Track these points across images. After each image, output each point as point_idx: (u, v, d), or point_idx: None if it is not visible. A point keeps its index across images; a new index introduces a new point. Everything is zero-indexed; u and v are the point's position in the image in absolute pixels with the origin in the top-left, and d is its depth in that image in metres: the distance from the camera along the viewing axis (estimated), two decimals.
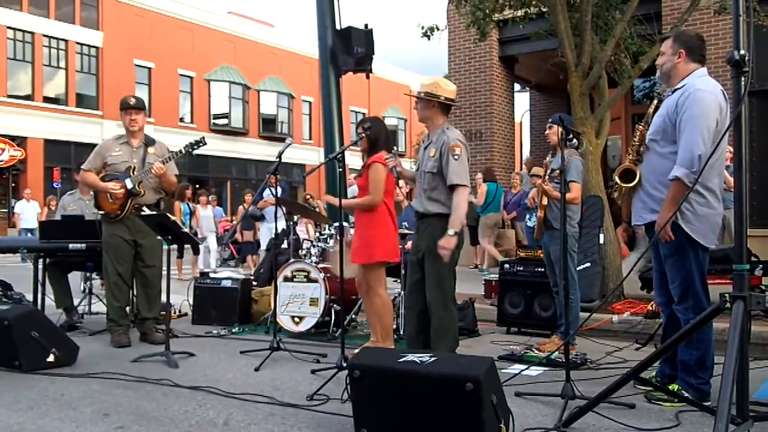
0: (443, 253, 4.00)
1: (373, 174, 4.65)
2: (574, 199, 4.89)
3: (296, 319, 5.69)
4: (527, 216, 10.64)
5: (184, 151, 5.39)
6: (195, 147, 5.36)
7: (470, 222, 11.67)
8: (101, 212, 5.40)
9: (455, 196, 4.10)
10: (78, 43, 26.81)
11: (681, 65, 3.58)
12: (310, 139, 36.20)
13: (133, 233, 5.33)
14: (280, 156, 4.99)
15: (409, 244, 5.38)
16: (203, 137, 5.48)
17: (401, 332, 5.54)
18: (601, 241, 6.74)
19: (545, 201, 4.93)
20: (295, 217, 8.34)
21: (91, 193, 6.85)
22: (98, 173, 5.40)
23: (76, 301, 6.40)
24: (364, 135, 4.73)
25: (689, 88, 3.45)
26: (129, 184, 5.33)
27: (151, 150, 5.50)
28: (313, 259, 6.03)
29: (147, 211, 5.22)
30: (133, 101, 5.53)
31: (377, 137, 4.74)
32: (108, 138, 5.72)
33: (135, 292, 5.60)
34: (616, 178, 3.76)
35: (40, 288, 5.96)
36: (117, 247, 5.33)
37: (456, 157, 4.10)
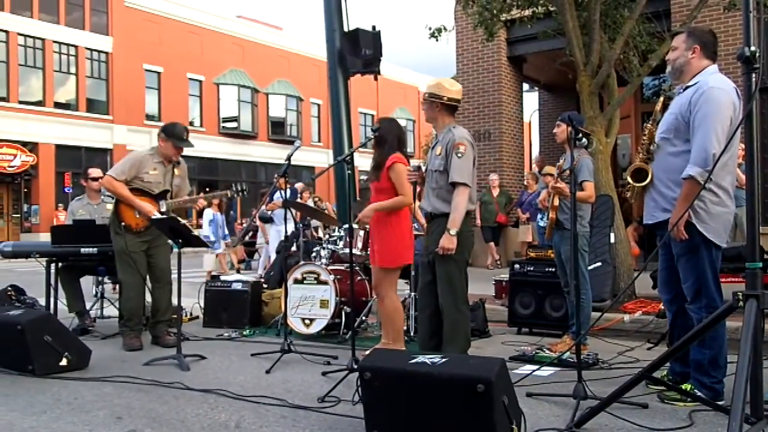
0: (443, 252, 4.01)
1: (395, 175, 4.63)
2: (589, 197, 4.88)
3: (307, 321, 5.69)
4: (539, 216, 10.65)
5: (223, 194, 5.73)
6: (233, 194, 5.58)
7: (490, 223, 11.72)
8: (122, 224, 5.36)
9: (455, 195, 4.10)
10: (88, 48, 26.98)
11: (695, 61, 3.55)
12: (319, 141, 36.27)
13: (150, 239, 5.41)
14: (289, 159, 5.00)
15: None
16: (239, 189, 5.61)
17: (412, 334, 5.53)
18: (612, 240, 6.71)
19: (556, 202, 4.92)
20: (306, 219, 8.36)
21: (104, 198, 6.91)
22: (127, 184, 5.40)
23: (88, 305, 6.43)
24: (375, 134, 4.73)
25: (702, 86, 3.42)
26: (163, 207, 5.43)
27: (177, 171, 5.59)
28: (323, 261, 6.04)
29: (157, 215, 5.25)
30: (186, 139, 5.48)
31: (384, 134, 4.74)
32: (142, 151, 5.65)
33: (152, 295, 5.62)
34: (629, 178, 3.74)
35: (52, 292, 5.99)
36: (135, 256, 5.36)
37: (459, 155, 4.10)
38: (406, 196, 4.65)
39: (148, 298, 5.64)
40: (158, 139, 5.51)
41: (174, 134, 5.43)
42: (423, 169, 4.58)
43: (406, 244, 4.75)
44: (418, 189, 4.75)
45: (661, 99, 3.76)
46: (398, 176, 4.63)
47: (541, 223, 10.71)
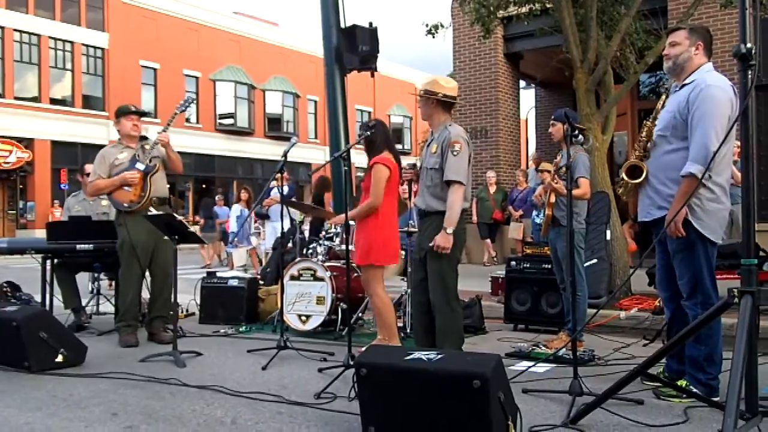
0: (438, 250, 4.02)
1: (374, 175, 4.63)
2: (584, 194, 4.88)
3: (303, 318, 5.69)
4: (534, 213, 10.67)
5: (178, 112, 5.55)
6: (186, 107, 5.60)
7: (486, 220, 11.75)
8: (125, 204, 5.35)
9: (450, 193, 4.10)
10: (84, 44, 26.89)
11: (697, 58, 3.55)
12: (316, 138, 36.21)
13: (154, 232, 5.33)
14: (285, 155, 4.99)
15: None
16: (191, 98, 5.74)
17: (408, 330, 5.54)
18: (608, 237, 6.72)
19: (553, 198, 4.92)
20: (301, 216, 8.35)
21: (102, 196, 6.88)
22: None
23: (84, 302, 6.42)
24: (368, 133, 4.70)
25: (700, 84, 3.42)
26: (141, 166, 5.41)
27: (146, 145, 5.59)
28: (320, 257, 6.04)
29: (154, 212, 5.24)
30: (134, 108, 5.67)
31: (374, 138, 4.72)
32: (105, 147, 5.79)
33: (151, 291, 5.60)
34: (623, 175, 3.74)
35: (48, 289, 5.98)
36: (138, 246, 5.33)
37: (455, 153, 4.10)
38: (374, 200, 4.60)
39: (145, 294, 5.63)
40: (116, 128, 5.65)
41: (119, 112, 5.60)
42: (418, 166, 4.58)
43: (387, 244, 4.69)
44: (414, 187, 4.74)
45: (663, 97, 3.76)
46: (376, 177, 4.61)
47: (537, 220, 10.73)
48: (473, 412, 2.63)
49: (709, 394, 3.38)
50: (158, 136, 5.41)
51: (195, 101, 5.63)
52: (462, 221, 4.22)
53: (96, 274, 6.92)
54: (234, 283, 6.46)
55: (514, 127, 13.28)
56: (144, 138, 5.64)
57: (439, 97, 4.25)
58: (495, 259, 11.90)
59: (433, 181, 4.21)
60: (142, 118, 5.70)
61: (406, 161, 4.91)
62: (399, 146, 36.18)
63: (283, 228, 5.68)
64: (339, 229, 6.02)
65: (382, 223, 4.67)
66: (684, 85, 3.54)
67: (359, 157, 10.45)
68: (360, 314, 5.97)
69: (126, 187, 5.35)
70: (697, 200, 3.39)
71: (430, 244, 4.09)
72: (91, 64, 27.37)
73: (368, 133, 4.67)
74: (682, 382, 3.53)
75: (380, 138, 4.73)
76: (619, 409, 3.23)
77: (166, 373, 4.25)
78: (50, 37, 25.88)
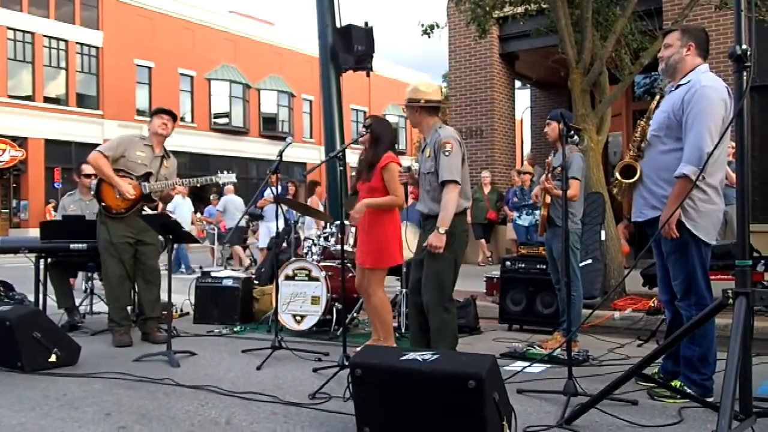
0: (431, 249, 4.02)
1: (389, 175, 4.60)
2: (573, 196, 4.88)
3: (298, 318, 5.68)
4: (515, 215, 10.74)
5: (208, 182, 5.73)
6: (219, 180, 5.64)
7: (481, 220, 11.76)
8: (102, 204, 5.33)
9: (444, 193, 4.09)
10: (78, 43, 26.80)
11: (689, 59, 3.55)
12: (311, 137, 36.18)
13: (136, 233, 5.33)
14: (280, 155, 4.98)
15: None
16: (231, 172, 5.75)
17: (403, 330, 5.53)
18: (603, 237, 6.73)
19: (548, 199, 4.92)
20: (297, 215, 8.34)
21: (92, 184, 6.86)
22: (112, 163, 5.35)
23: (77, 301, 6.40)
24: (366, 132, 4.70)
25: (695, 84, 3.42)
26: (146, 189, 5.38)
27: (166, 164, 5.58)
28: (315, 257, 6.03)
29: (149, 211, 5.22)
30: (166, 108, 5.67)
31: (380, 134, 4.71)
32: (131, 134, 5.78)
33: (138, 292, 5.59)
34: (617, 174, 3.74)
35: (41, 288, 5.95)
36: (119, 246, 5.32)
37: (446, 153, 4.10)
38: (398, 197, 4.63)
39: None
40: (147, 127, 5.69)
41: (153, 111, 5.66)
42: (413, 169, 4.58)
43: (396, 244, 4.72)
44: (409, 190, 4.72)
45: (657, 97, 3.76)
46: (392, 176, 4.60)
47: (518, 221, 10.80)
48: (468, 412, 2.62)
49: (703, 394, 3.39)
50: (177, 187, 5.62)
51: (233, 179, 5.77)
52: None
53: (89, 274, 6.90)
54: (228, 282, 6.45)
55: (509, 127, 13.30)
56: (168, 155, 5.63)
57: (422, 104, 4.26)
58: (490, 259, 11.92)
59: (432, 185, 4.22)
60: (143, 121, 5.73)
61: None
62: (396, 146, 36.17)
63: (277, 228, 5.67)
64: (334, 229, 6.01)
65: (392, 224, 4.69)
66: (679, 86, 3.54)
67: (355, 157, 10.43)
68: (355, 314, 5.97)
69: (117, 193, 5.32)
70: (690, 201, 3.40)
71: (424, 244, 4.10)
72: (86, 63, 27.28)
73: (368, 130, 4.66)
74: (677, 383, 3.54)
75: (386, 135, 4.74)
76: (614, 410, 3.24)
77: (160, 373, 4.23)
78: (44, 36, 25.79)
